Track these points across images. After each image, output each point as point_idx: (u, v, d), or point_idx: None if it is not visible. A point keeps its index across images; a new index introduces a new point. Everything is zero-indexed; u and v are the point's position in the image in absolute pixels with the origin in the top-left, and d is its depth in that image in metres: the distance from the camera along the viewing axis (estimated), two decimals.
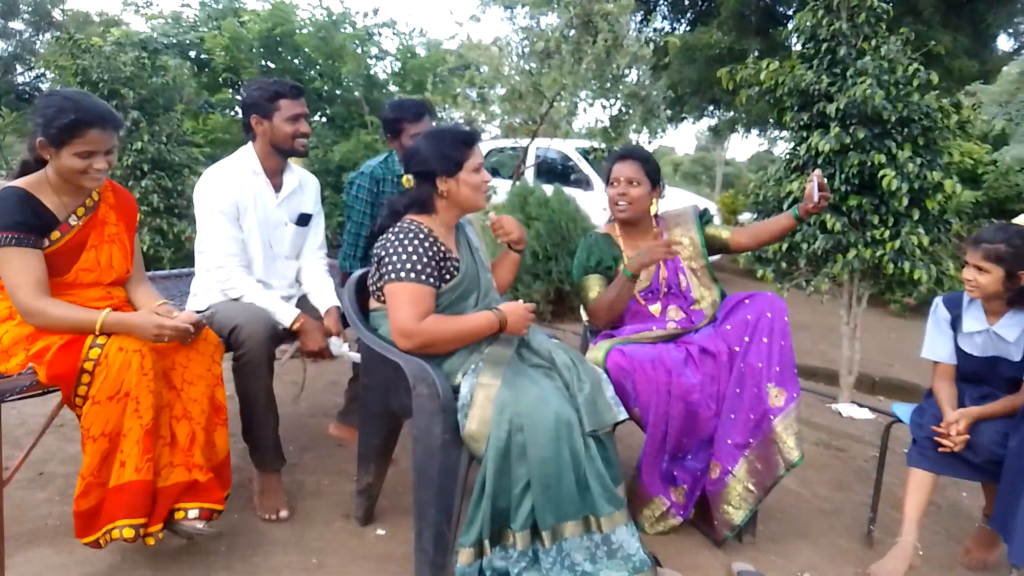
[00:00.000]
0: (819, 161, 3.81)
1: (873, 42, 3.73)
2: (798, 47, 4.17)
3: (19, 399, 1.95)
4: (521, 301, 2.22)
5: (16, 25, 23.38)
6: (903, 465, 2.38)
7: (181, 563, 2.14)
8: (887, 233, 3.67)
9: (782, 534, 2.58)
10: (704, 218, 2.76)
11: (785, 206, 3.96)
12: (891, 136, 3.65)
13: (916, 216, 3.65)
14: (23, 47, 22.75)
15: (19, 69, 22.69)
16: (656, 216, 2.73)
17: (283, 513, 2.41)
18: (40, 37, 22.65)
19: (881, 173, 3.57)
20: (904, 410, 2.49)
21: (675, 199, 7.87)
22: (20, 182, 1.98)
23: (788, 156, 4.11)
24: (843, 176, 3.71)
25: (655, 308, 2.58)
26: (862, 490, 2.98)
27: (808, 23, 3.90)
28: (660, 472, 2.39)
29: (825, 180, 2.55)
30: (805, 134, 3.90)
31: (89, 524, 1.93)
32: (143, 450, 1.92)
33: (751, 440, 2.32)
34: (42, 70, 20.34)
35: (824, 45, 3.86)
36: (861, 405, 4.10)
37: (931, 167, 3.65)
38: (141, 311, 2.04)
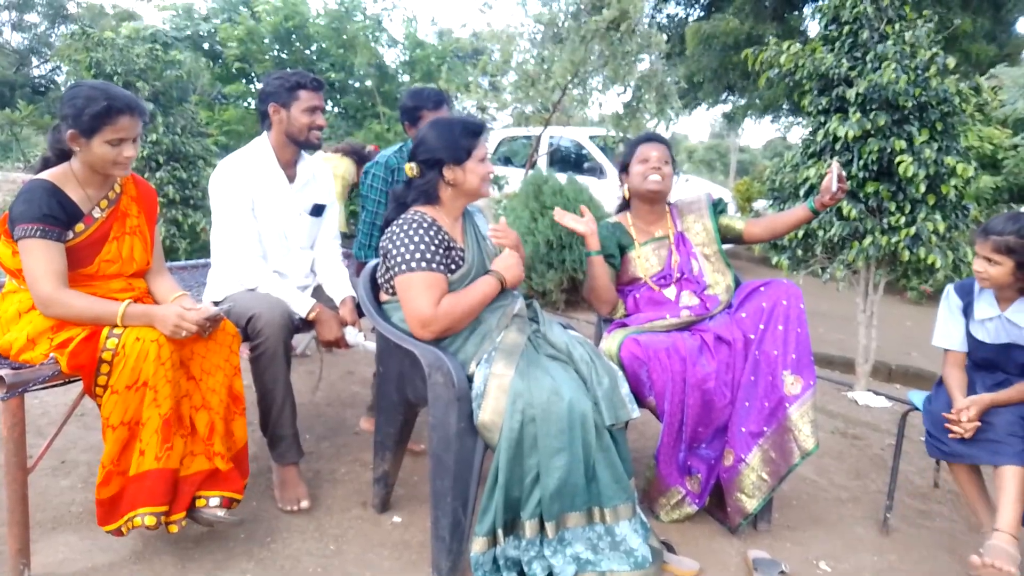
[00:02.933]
0: (836, 147, 3.78)
1: (896, 26, 3.68)
2: (818, 29, 4.12)
3: (42, 388, 1.97)
4: (508, 252, 2.25)
5: (31, 18, 23.56)
6: (920, 453, 2.36)
7: (202, 549, 2.18)
8: (903, 220, 3.64)
9: (798, 522, 2.57)
10: (719, 207, 2.76)
11: (802, 192, 3.93)
12: (909, 121, 3.61)
13: (932, 202, 3.61)
14: (38, 40, 22.93)
15: (35, 62, 22.88)
16: (669, 203, 2.73)
17: (304, 504, 2.43)
18: (55, 30, 22.80)
19: (898, 160, 3.53)
20: (921, 398, 2.48)
21: (690, 187, 7.83)
22: (46, 175, 2.00)
23: (805, 142, 4.08)
24: (861, 162, 3.68)
25: (670, 292, 2.58)
26: (879, 478, 2.97)
27: (832, 4, 3.85)
28: (677, 462, 2.39)
29: (844, 172, 2.52)
30: (823, 119, 3.87)
31: (111, 512, 1.96)
32: (162, 439, 1.94)
33: (765, 428, 2.31)
34: (57, 63, 20.50)
35: (847, 28, 3.81)
36: (878, 393, 4.08)
37: (948, 152, 3.61)
38: (163, 304, 2.06)
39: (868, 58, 3.66)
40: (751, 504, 2.34)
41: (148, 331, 1.95)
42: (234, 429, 2.19)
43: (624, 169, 2.71)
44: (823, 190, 2.49)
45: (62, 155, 2.04)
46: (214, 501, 2.07)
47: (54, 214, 1.94)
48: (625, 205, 2.79)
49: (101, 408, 1.94)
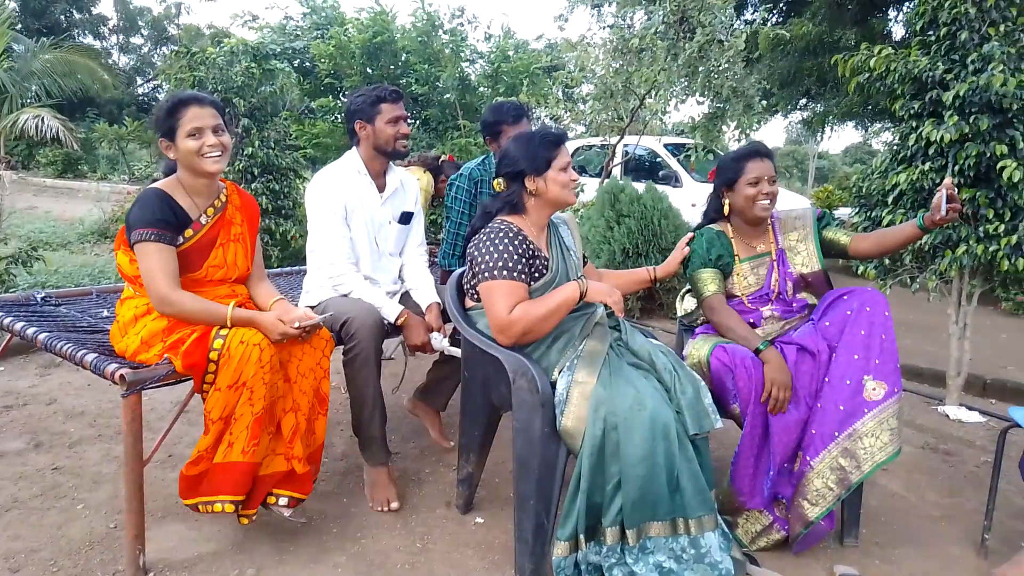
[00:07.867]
0: (929, 152, 3.65)
1: (1001, 27, 3.53)
2: (905, 32, 3.99)
3: (156, 387, 2.13)
4: (606, 287, 2.23)
5: (136, 40, 25.24)
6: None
7: (298, 542, 2.30)
8: (1002, 228, 3.48)
9: (887, 539, 2.50)
10: (823, 221, 2.62)
11: (890, 199, 3.81)
12: (1013, 125, 3.45)
13: None
14: (143, 60, 24.51)
15: (139, 81, 24.43)
16: (772, 215, 2.60)
17: (394, 505, 2.51)
18: (158, 51, 24.33)
19: (1001, 164, 3.38)
20: (1023, 414, 2.36)
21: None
22: (157, 184, 2.20)
23: (895, 147, 3.95)
24: (956, 168, 3.54)
25: (765, 309, 2.52)
26: (973, 496, 2.84)
27: (930, 6, 3.72)
28: (762, 485, 2.33)
29: (956, 190, 2.34)
30: (915, 123, 3.74)
31: (191, 488, 2.10)
32: (251, 435, 2.07)
33: (836, 433, 2.23)
34: (160, 82, 21.81)
35: (944, 30, 3.67)
36: (971, 408, 3.90)
37: None
38: (268, 315, 2.18)
39: (969, 60, 3.52)
40: (813, 512, 2.25)
41: (252, 334, 2.07)
42: (316, 428, 2.31)
43: (729, 184, 2.54)
44: (933, 208, 2.31)
45: (171, 172, 2.24)
46: (282, 500, 2.20)
47: (166, 219, 2.11)
48: (717, 214, 2.64)
49: (205, 404, 2.08)
